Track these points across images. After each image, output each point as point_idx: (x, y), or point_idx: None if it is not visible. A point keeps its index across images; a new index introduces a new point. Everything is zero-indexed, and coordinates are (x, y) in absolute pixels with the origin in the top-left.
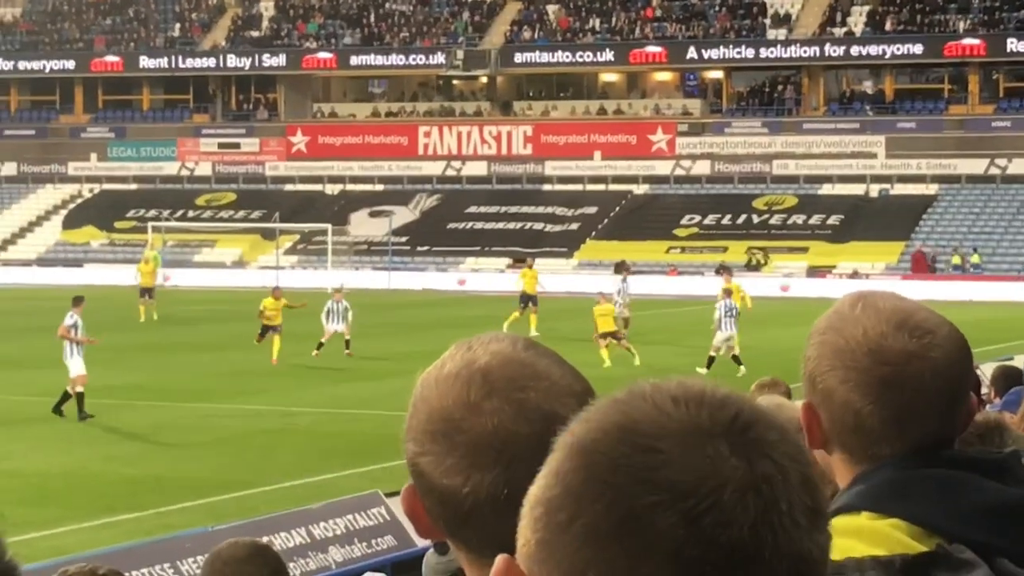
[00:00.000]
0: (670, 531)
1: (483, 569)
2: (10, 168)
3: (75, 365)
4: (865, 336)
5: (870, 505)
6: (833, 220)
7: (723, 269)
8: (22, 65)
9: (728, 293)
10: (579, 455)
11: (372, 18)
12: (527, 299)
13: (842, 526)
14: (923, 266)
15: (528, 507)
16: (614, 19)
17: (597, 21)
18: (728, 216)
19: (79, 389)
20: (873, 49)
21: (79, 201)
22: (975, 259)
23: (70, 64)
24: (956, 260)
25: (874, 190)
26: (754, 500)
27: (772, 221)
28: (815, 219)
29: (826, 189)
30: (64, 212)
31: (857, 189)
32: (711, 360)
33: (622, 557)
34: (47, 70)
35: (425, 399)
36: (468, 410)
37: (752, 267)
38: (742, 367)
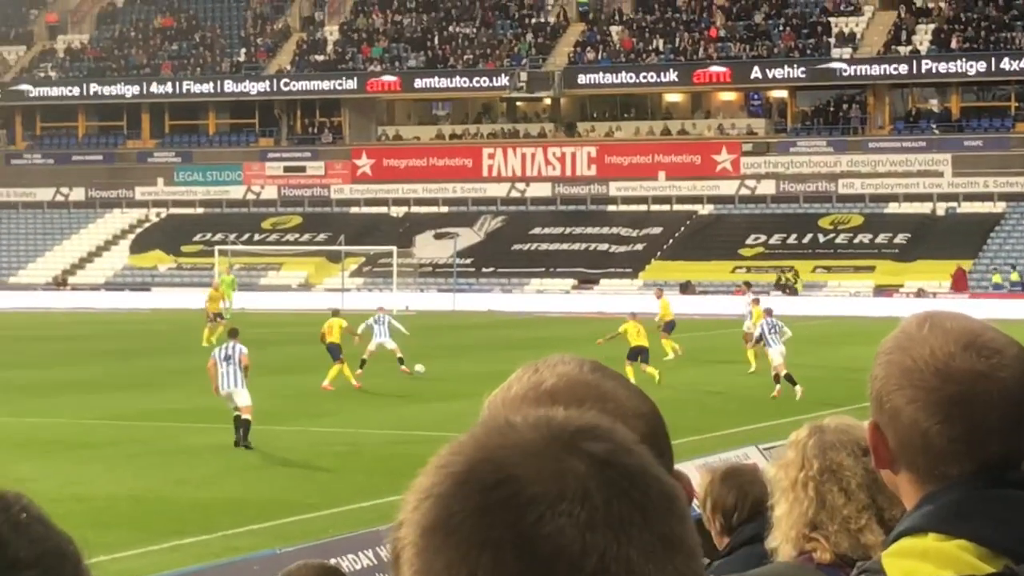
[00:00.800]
0: (567, 538)
1: None
2: (78, 193)
3: (243, 395)
4: (932, 356)
5: (937, 526)
6: (899, 239)
7: (746, 285)
8: (90, 91)
9: (770, 313)
10: (437, 529)
11: (436, 41)
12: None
13: (909, 548)
14: (963, 284)
15: (405, 530)
16: (678, 39)
17: (661, 42)
18: (794, 235)
19: (246, 416)
20: (939, 67)
21: (146, 225)
22: (1014, 277)
23: (136, 89)
24: (997, 279)
25: (940, 208)
26: (614, 475)
27: (838, 240)
28: (881, 238)
29: (892, 208)
30: (131, 236)
31: (923, 208)
32: (788, 377)
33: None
34: (114, 95)
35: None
36: None
37: (781, 286)
38: (798, 388)
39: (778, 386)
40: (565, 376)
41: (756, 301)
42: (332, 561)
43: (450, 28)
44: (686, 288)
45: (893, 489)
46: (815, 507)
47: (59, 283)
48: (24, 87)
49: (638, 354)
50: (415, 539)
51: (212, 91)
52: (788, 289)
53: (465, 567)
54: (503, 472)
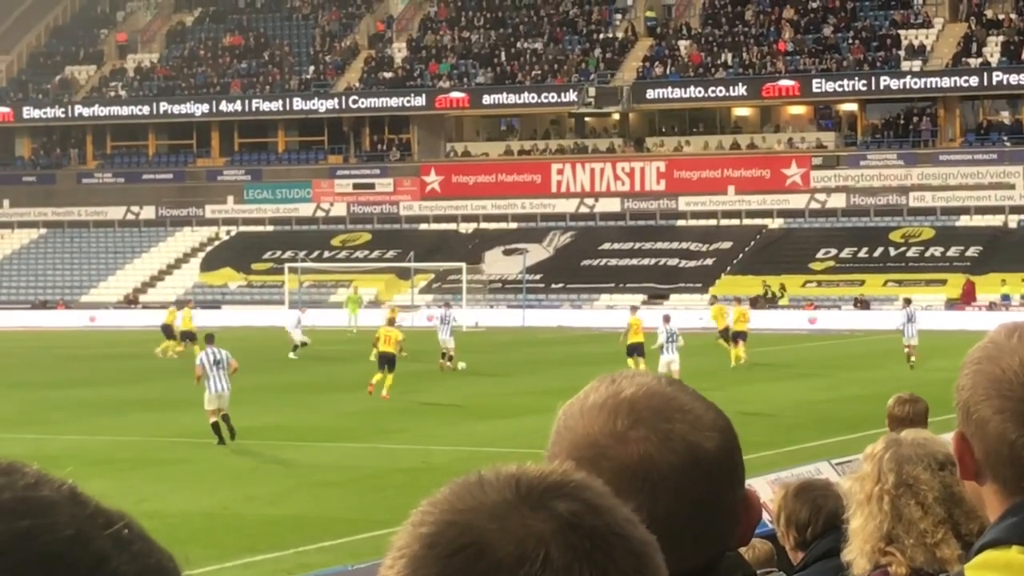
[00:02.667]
0: None
1: None
2: (149, 211)
3: (228, 398)
4: (1022, 366)
5: (1021, 538)
6: (972, 252)
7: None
8: (159, 109)
9: (667, 320)
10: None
11: (504, 57)
12: (735, 336)
13: (993, 560)
14: (972, 297)
15: None
16: (746, 53)
17: (729, 56)
18: (864, 249)
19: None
20: (1010, 79)
21: (216, 243)
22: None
23: (205, 108)
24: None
25: (1013, 221)
26: (577, 538)
27: (909, 254)
28: (953, 251)
29: (964, 221)
30: (202, 254)
31: (995, 220)
32: None
33: None
34: (184, 114)
35: (569, 428)
36: (614, 439)
37: (768, 299)
38: None
39: None
40: (644, 386)
41: (668, 319)
42: None
43: (518, 44)
44: (757, 302)
45: (977, 501)
46: (891, 521)
47: (131, 301)
48: (94, 107)
49: (634, 350)
50: None
51: (281, 109)
52: (770, 302)
53: None
54: (467, 536)
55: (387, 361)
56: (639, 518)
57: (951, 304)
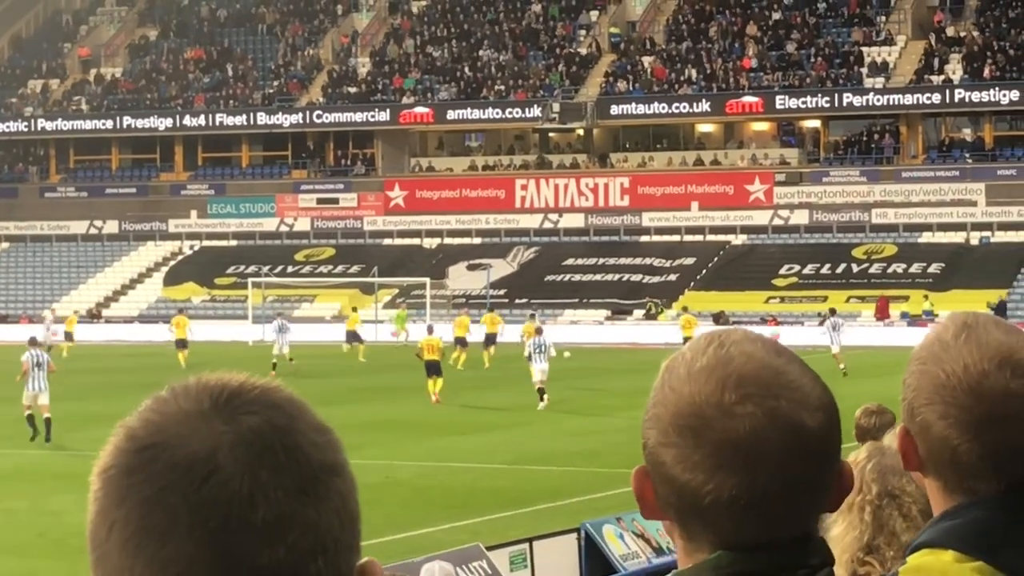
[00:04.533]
0: (182, 507)
1: (696, 558)
2: (112, 226)
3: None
4: (966, 372)
5: (957, 545)
6: (934, 268)
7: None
8: (123, 123)
9: (539, 332)
10: (99, 476)
11: (467, 72)
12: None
13: (927, 565)
14: (886, 312)
15: (86, 536)
16: (710, 69)
17: (693, 72)
18: (827, 265)
19: (47, 415)
20: (972, 96)
21: (180, 258)
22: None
23: (169, 122)
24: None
25: (975, 238)
26: (245, 452)
27: (872, 270)
28: (915, 267)
29: (926, 237)
30: (165, 269)
31: (957, 237)
32: (541, 392)
33: (152, 546)
34: (147, 128)
35: (675, 390)
36: (720, 411)
37: (649, 316)
38: (543, 402)
39: (546, 397)
40: (753, 358)
41: (540, 331)
42: None
43: (481, 56)
44: (719, 319)
45: (923, 488)
46: (872, 531)
47: (93, 315)
48: (57, 120)
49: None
50: (94, 479)
51: (245, 123)
52: (651, 317)
53: (110, 515)
54: (157, 436)
55: (434, 368)
56: (738, 494)
57: (913, 320)
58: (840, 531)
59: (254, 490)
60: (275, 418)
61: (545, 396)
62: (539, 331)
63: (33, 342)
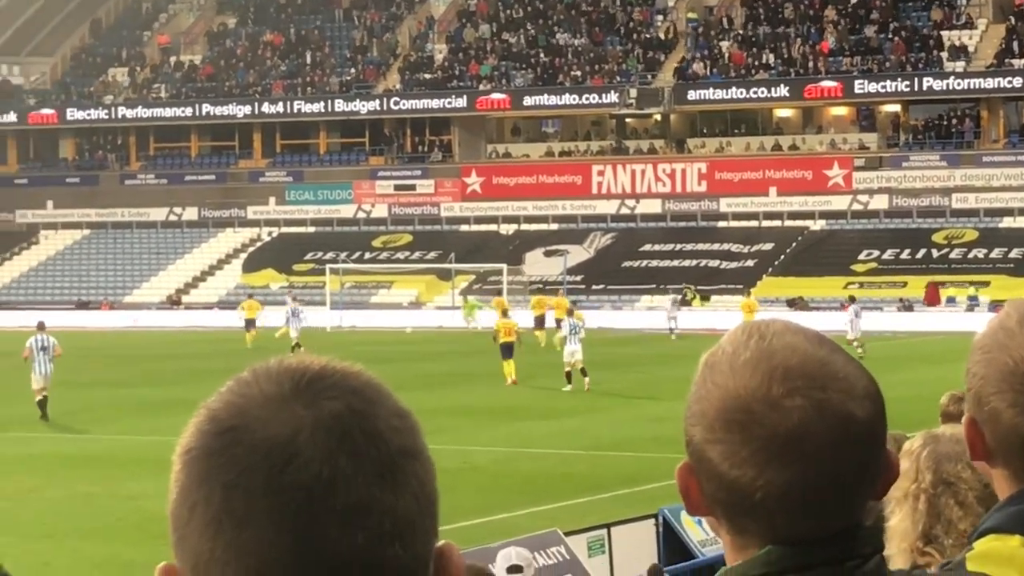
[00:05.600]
0: (262, 491)
1: (745, 553)
2: (191, 213)
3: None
4: None
5: None
6: (1015, 253)
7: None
8: (202, 111)
9: (571, 313)
10: (181, 457)
11: (544, 57)
12: None
13: (993, 550)
14: (936, 298)
15: (168, 516)
16: (788, 53)
17: (771, 56)
18: (907, 251)
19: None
20: None
21: (258, 244)
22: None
23: (247, 109)
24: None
25: None
26: (325, 437)
27: (952, 255)
28: (996, 252)
29: (1007, 222)
30: (244, 255)
31: None
32: (568, 375)
33: (232, 530)
34: (226, 115)
35: (719, 385)
36: (768, 406)
37: (684, 303)
38: (569, 385)
39: (586, 380)
40: (798, 350)
41: (571, 312)
42: None
43: (558, 39)
44: (795, 304)
45: (988, 478)
46: (928, 520)
47: (173, 302)
48: (137, 108)
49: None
50: (176, 459)
51: (323, 110)
52: (685, 303)
53: (191, 497)
54: (238, 419)
55: (508, 350)
56: (789, 489)
57: (994, 306)
58: (897, 521)
59: (334, 475)
60: (355, 403)
61: (572, 379)
62: (570, 312)
63: (41, 327)
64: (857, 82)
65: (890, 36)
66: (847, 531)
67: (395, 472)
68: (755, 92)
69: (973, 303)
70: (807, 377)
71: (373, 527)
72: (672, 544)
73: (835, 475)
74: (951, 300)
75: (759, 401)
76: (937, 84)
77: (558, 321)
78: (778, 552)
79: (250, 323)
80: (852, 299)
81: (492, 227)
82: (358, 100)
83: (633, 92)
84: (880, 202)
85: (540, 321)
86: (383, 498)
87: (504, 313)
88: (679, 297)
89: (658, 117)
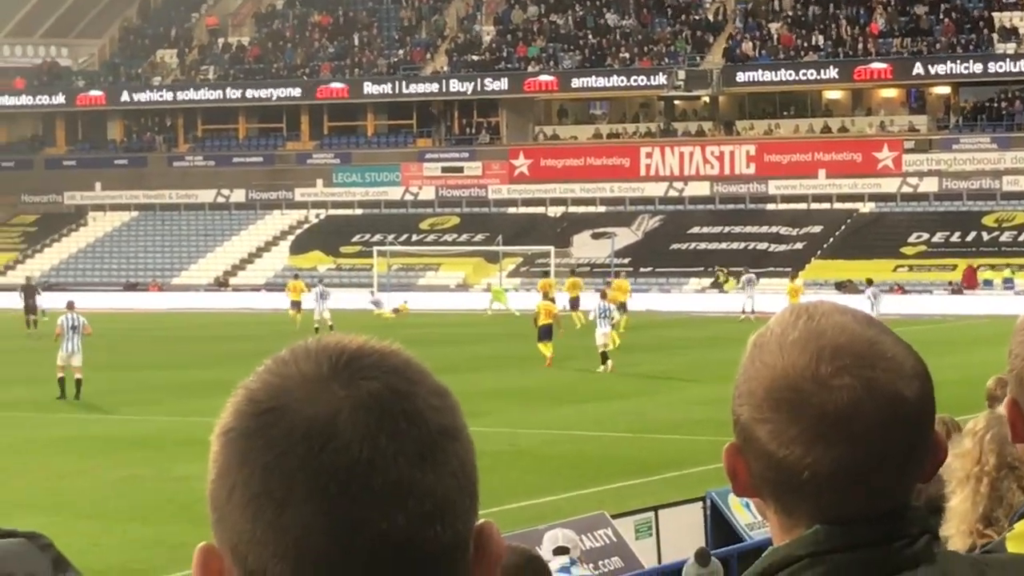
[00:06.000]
0: (301, 473)
1: (792, 534)
2: (239, 195)
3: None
4: None
5: None
6: None
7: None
8: (250, 93)
9: (603, 296)
10: (219, 438)
11: (591, 39)
12: None
13: None
14: (974, 281)
15: (207, 496)
16: (838, 35)
17: (820, 37)
18: (957, 234)
19: (79, 376)
20: None
21: (306, 227)
22: None
23: (296, 91)
24: None
25: None
26: (364, 417)
27: (1002, 238)
28: None
29: None
30: (291, 238)
31: None
32: (603, 356)
33: (272, 511)
34: (274, 98)
35: (767, 365)
36: (817, 384)
37: (716, 286)
38: (603, 366)
39: (609, 362)
40: (846, 330)
41: (604, 295)
42: None
43: (606, 24)
44: (844, 287)
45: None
46: (990, 503)
47: (220, 284)
48: (185, 90)
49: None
50: (214, 439)
51: (371, 92)
52: (717, 286)
53: (230, 477)
54: (277, 400)
55: (547, 332)
56: (838, 467)
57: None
58: (958, 502)
59: (373, 456)
60: (394, 382)
61: (608, 362)
62: (603, 295)
63: (70, 306)
64: (907, 64)
65: (940, 17)
66: (894, 511)
67: (435, 452)
68: (804, 74)
69: (1008, 286)
70: (856, 356)
71: (413, 507)
72: (720, 527)
73: (883, 455)
74: (987, 283)
75: (808, 380)
76: (988, 66)
77: (621, 304)
78: (825, 531)
79: (295, 304)
80: (869, 281)
81: (540, 209)
82: (406, 82)
83: (681, 74)
84: (930, 185)
85: (575, 303)
86: (423, 478)
87: (545, 295)
88: (752, 277)
89: (706, 99)
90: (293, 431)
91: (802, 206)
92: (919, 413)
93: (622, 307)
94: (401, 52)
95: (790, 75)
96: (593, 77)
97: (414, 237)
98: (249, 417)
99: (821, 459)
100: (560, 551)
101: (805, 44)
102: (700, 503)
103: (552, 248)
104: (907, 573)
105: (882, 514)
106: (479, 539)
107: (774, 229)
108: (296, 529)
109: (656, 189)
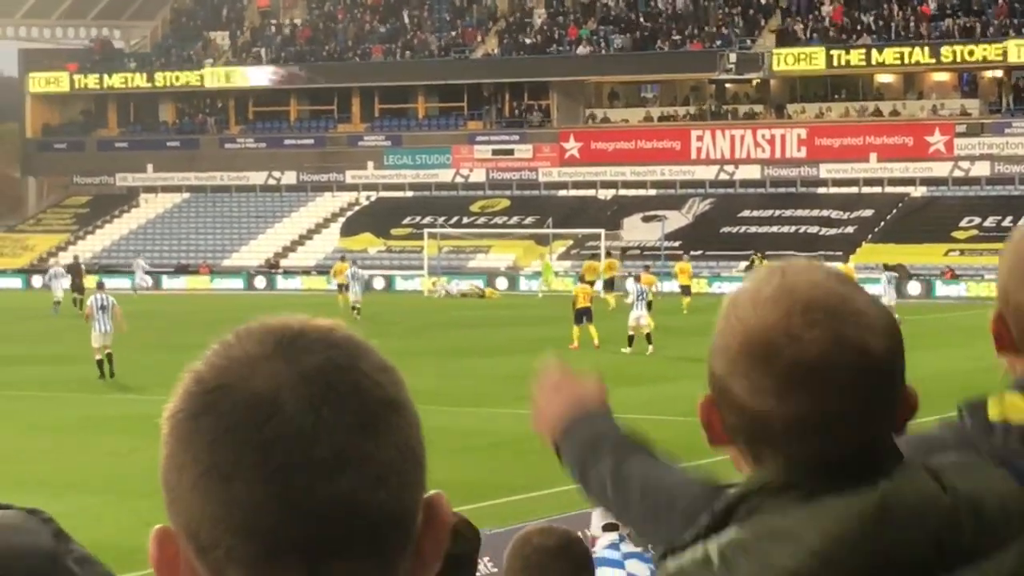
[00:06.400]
0: (246, 446)
1: None
2: (290, 177)
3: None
4: None
5: None
6: None
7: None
8: (301, 75)
9: (637, 280)
10: (168, 420)
11: (643, 21)
12: None
13: (1013, 402)
14: None
15: (160, 477)
16: (889, 17)
17: (872, 20)
18: (1009, 218)
19: (110, 351)
20: None
21: (356, 209)
22: None
23: (347, 73)
24: None
25: None
26: (307, 390)
27: None
28: None
29: None
30: (342, 220)
31: None
32: (630, 339)
33: (220, 486)
34: (325, 80)
35: (741, 320)
36: (788, 338)
37: (751, 270)
38: (650, 347)
39: (650, 347)
40: (818, 285)
41: (638, 278)
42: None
43: (658, 7)
44: (895, 271)
45: (1012, 370)
46: None
47: (271, 266)
48: (237, 71)
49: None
50: (164, 422)
51: (421, 75)
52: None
53: (179, 457)
54: (223, 378)
55: (585, 314)
56: (808, 417)
57: None
58: None
59: (317, 426)
60: (336, 357)
61: (634, 343)
62: (637, 279)
63: (100, 286)
64: (959, 47)
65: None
66: (861, 452)
67: (377, 423)
68: (855, 57)
69: None
70: (827, 310)
71: (356, 475)
72: None
73: (852, 405)
74: None
75: (780, 334)
76: None
77: (684, 288)
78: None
79: (343, 287)
80: (886, 266)
81: (590, 192)
82: (457, 64)
83: (732, 57)
84: (982, 169)
85: (610, 284)
86: (365, 446)
87: (582, 279)
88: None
89: (757, 82)
90: (237, 407)
91: (853, 190)
92: (887, 366)
93: (685, 290)
94: (452, 33)
95: (842, 59)
96: (644, 60)
97: (464, 220)
98: (195, 397)
99: (792, 410)
100: (609, 527)
101: (856, 27)
102: None
103: (603, 231)
104: (865, 486)
105: (853, 451)
106: (428, 509)
107: (825, 213)
108: (245, 502)
109: (707, 172)
